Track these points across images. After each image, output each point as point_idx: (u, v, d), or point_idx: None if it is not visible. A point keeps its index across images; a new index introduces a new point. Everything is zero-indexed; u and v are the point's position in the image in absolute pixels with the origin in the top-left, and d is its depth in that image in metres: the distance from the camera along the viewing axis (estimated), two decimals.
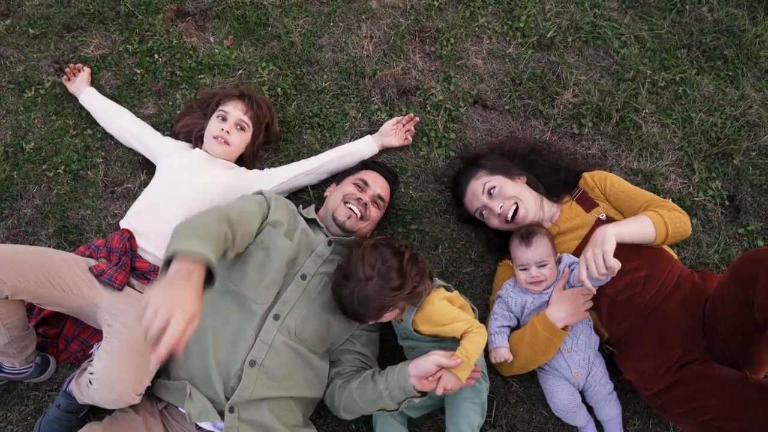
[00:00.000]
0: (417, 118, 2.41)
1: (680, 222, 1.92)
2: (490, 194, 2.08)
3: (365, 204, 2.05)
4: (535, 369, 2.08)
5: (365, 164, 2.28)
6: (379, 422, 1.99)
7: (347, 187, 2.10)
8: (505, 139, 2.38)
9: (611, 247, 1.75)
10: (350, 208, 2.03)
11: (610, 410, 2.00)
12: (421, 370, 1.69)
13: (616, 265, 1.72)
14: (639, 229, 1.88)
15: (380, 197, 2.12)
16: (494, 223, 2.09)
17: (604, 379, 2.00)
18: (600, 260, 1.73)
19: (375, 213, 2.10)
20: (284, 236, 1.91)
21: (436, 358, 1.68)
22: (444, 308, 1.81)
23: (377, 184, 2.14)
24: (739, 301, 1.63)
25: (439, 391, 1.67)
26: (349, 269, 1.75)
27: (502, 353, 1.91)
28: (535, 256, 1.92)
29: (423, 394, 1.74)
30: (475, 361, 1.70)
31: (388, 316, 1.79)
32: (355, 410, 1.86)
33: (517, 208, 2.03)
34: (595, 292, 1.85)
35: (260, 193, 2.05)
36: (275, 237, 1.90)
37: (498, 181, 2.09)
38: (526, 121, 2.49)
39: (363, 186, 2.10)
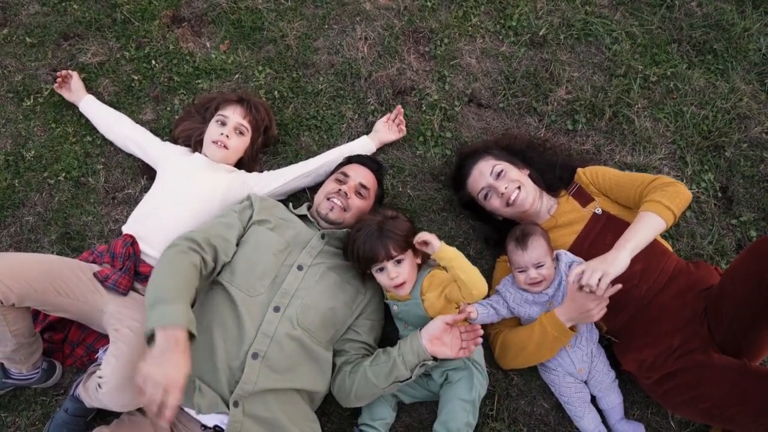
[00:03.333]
0: (402, 109, 2.45)
1: (679, 195, 1.91)
2: (498, 175, 2.12)
3: (345, 194, 2.10)
4: (536, 365, 2.12)
5: (348, 160, 2.31)
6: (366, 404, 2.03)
7: (329, 184, 2.17)
8: (501, 137, 2.42)
9: (615, 273, 1.76)
10: (332, 201, 2.09)
11: (615, 398, 2.04)
12: (431, 331, 1.83)
13: (605, 292, 1.77)
14: (649, 232, 1.88)
15: (363, 185, 2.16)
16: (495, 204, 2.12)
17: (606, 368, 2.04)
18: (595, 279, 1.75)
19: (359, 202, 2.13)
20: (270, 231, 1.98)
21: (443, 317, 1.84)
22: (445, 274, 1.90)
23: (358, 174, 2.18)
24: (753, 281, 1.66)
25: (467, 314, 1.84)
26: (363, 221, 1.93)
27: (470, 309, 1.93)
28: (532, 258, 1.94)
29: (435, 359, 1.84)
30: (460, 259, 1.80)
31: (410, 256, 1.87)
32: (367, 391, 1.90)
33: (518, 194, 2.07)
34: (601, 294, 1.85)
35: (248, 198, 2.13)
36: (261, 233, 1.97)
37: (505, 165, 2.14)
38: (521, 119, 2.52)
39: (343, 179, 2.16)
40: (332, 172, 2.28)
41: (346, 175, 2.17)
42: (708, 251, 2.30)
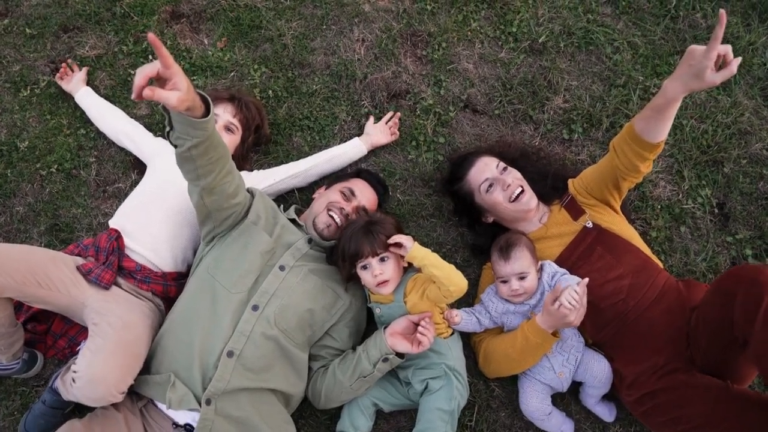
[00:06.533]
0: (399, 114, 2.43)
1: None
2: (503, 170, 2.10)
3: (347, 215, 2.07)
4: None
5: (358, 172, 2.29)
6: (346, 410, 2.02)
7: (334, 194, 2.13)
8: (494, 144, 2.39)
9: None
10: (331, 216, 2.05)
11: (605, 389, 2.01)
12: (394, 327, 1.89)
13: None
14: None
15: (364, 209, 2.12)
16: (497, 198, 2.06)
17: (602, 365, 1.98)
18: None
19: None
20: (263, 231, 1.97)
21: (410, 315, 1.91)
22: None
23: (364, 195, 2.15)
24: (720, 316, 1.64)
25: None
26: (349, 223, 1.97)
27: (454, 312, 1.97)
28: (515, 269, 1.91)
29: (400, 356, 1.87)
30: (432, 258, 1.82)
31: (395, 256, 1.87)
32: (336, 389, 1.92)
33: (522, 191, 2.05)
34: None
35: (249, 191, 2.09)
36: (254, 232, 1.96)
37: (508, 166, 2.13)
38: (516, 126, 2.49)
39: (349, 195, 2.12)
40: (339, 179, 2.24)
41: (352, 192, 2.13)
42: (701, 268, 2.25)
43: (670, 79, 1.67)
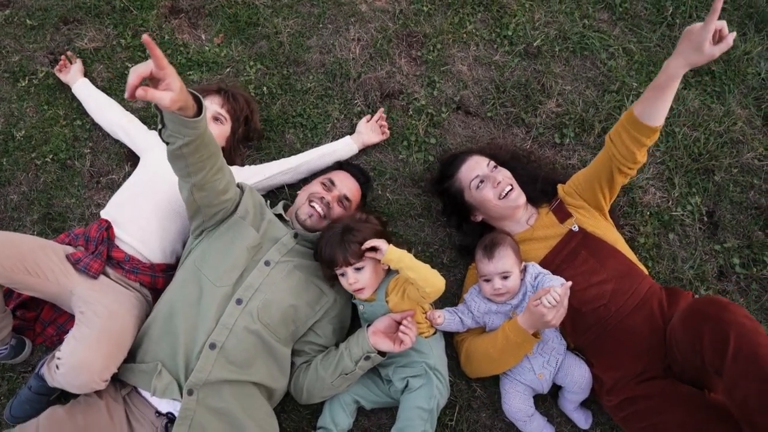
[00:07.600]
0: (383, 108, 2.46)
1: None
2: (494, 168, 2.12)
3: (328, 203, 2.09)
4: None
5: (339, 165, 2.33)
6: (327, 406, 2.04)
7: (314, 186, 2.17)
8: (485, 146, 2.40)
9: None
10: (313, 206, 2.08)
11: (583, 395, 2.02)
12: (377, 325, 1.91)
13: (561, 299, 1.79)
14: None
15: (346, 197, 2.15)
16: (487, 195, 2.07)
17: (582, 370, 1.98)
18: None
19: (339, 213, 2.13)
20: (250, 226, 1.99)
21: (393, 314, 1.93)
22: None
23: (344, 185, 2.17)
24: (691, 351, 1.67)
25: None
26: (329, 226, 1.96)
27: (437, 313, 1.99)
28: (498, 268, 1.92)
29: (382, 354, 1.89)
30: (407, 260, 1.81)
31: (372, 262, 1.88)
32: (318, 385, 1.94)
33: (511, 188, 2.07)
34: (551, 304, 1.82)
35: (239, 186, 2.11)
36: (242, 227, 1.98)
37: (498, 166, 2.15)
38: (508, 129, 2.50)
39: (329, 185, 2.15)
40: (320, 174, 2.27)
41: (332, 182, 2.16)
42: (688, 276, 2.26)
43: (671, 57, 1.70)
